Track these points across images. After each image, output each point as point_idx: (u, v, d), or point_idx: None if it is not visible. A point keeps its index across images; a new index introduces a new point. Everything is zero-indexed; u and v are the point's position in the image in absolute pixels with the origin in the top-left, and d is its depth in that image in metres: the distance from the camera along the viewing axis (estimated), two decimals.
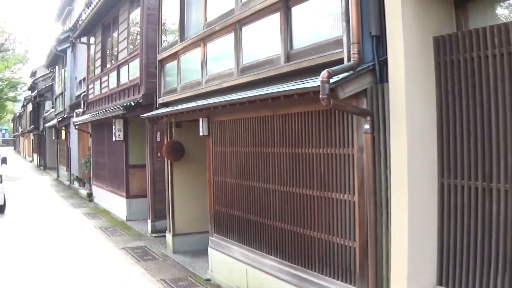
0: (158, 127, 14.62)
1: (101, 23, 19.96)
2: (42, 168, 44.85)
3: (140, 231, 15.30)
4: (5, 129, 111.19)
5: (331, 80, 5.75)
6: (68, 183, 29.80)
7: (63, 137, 31.35)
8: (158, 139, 14.79)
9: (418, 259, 5.75)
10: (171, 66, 12.11)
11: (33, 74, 52.34)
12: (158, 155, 14.73)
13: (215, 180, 10.14)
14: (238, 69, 8.76)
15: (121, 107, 14.43)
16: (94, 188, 22.29)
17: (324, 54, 6.68)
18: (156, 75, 13.57)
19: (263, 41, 8.22)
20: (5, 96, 51.32)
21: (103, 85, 19.71)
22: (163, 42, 12.73)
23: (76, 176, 27.29)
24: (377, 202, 6.06)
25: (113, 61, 18.71)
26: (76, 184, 27.29)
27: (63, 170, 33.38)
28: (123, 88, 16.80)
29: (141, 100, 14.28)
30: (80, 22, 21.85)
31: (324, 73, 5.65)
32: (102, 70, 20.02)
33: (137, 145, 16.99)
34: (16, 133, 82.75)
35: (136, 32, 16.03)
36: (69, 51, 28.63)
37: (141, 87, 14.84)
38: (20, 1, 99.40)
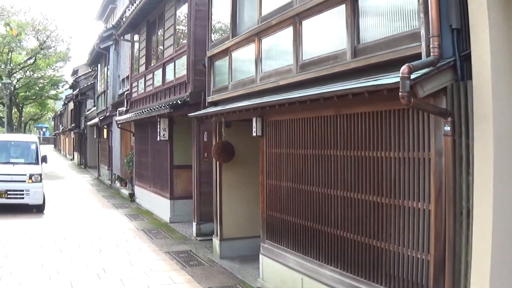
0: (205, 127, 14.15)
1: (145, 20, 19.62)
2: (82, 166, 44.92)
3: (184, 234, 14.86)
4: (46, 127, 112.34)
5: (411, 77, 5.18)
6: (109, 182, 29.58)
7: (105, 136, 31.19)
8: (205, 139, 14.32)
9: (501, 275, 5.17)
10: (221, 63, 11.63)
11: (75, 72, 52.48)
12: (205, 155, 14.27)
13: (269, 183, 9.60)
14: (297, 65, 8.21)
15: (167, 105, 14.00)
16: (136, 188, 21.96)
17: (397, 49, 6.10)
18: (204, 72, 13.19)
19: (326, 35, 7.66)
20: (46, 94, 51.54)
21: (147, 83, 19.35)
22: (213, 38, 12.25)
23: (118, 176, 27.04)
24: (457, 211, 5.47)
25: (158, 59, 18.32)
26: (117, 184, 27.04)
27: (104, 169, 33.21)
28: (168, 86, 16.39)
29: (188, 99, 13.84)
30: (123, 19, 21.55)
31: (404, 68, 5.10)
32: (146, 68, 19.67)
33: (182, 145, 16.57)
34: (57, 131, 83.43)
35: (183, 29, 15.62)
36: (112, 49, 28.42)
37: (188, 85, 14.41)
38: (62, 0, 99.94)
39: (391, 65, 6.10)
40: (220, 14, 12.02)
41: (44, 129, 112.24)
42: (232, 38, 10.78)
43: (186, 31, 14.99)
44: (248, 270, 10.99)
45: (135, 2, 19.46)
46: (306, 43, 8.08)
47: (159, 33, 18.41)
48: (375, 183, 6.70)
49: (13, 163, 18.58)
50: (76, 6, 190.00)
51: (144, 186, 20.29)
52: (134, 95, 21.80)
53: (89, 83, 42.72)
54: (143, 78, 19.93)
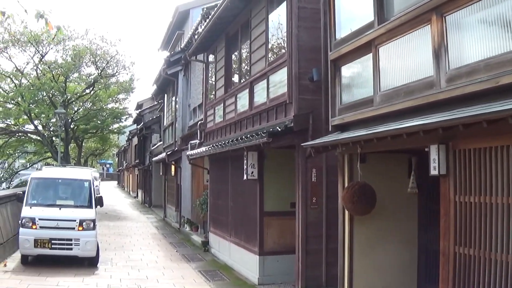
0: (314, 163, 10.59)
1: (224, 34, 16.26)
2: (147, 205, 42.05)
3: None
4: (110, 163, 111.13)
5: None
6: (177, 225, 26.21)
7: (173, 173, 28.01)
8: (314, 179, 10.71)
9: None
10: (357, 65, 8.00)
11: (139, 106, 49.96)
12: (314, 201, 10.70)
13: (463, 254, 5.81)
14: None
15: (263, 133, 10.43)
16: (211, 236, 18.37)
17: None
18: (311, 90, 10.25)
19: None
20: (108, 128, 48.46)
21: (227, 110, 15.88)
22: (338, 33, 8.62)
23: (187, 219, 23.57)
24: None
25: (242, 79, 14.87)
26: (187, 228, 23.61)
27: (171, 209, 30.01)
28: (259, 111, 12.85)
29: (292, 124, 10.30)
30: (195, 36, 18.35)
31: None
32: (226, 92, 16.20)
33: (275, 186, 13.04)
34: (121, 168, 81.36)
35: (280, 35, 12.16)
36: (180, 75, 25.29)
37: (289, 107, 10.90)
38: (125, 32, 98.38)
39: None
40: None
41: (107, 165, 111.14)
42: (379, 25, 7.13)
43: (284, 38, 11.53)
44: None
45: (209, 15, 16.30)
46: None
47: (242, 47, 15.01)
48: None
49: (60, 206, 15.12)
50: (138, 37, 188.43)
51: (222, 234, 16.70)
52: (209, 125, 18.37)
53: (154, 117, 40.03)
54: (222, 104, 16.49)
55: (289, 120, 10.57)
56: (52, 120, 38.72)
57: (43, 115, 40.26)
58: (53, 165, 27.73)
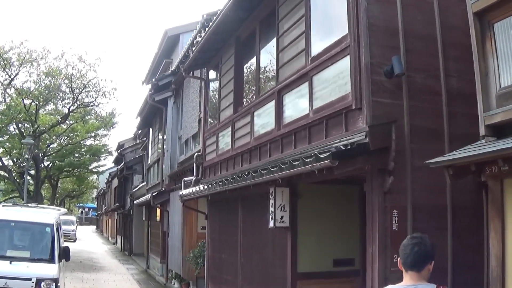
0: (394, 201, 6.83)
1: (233, 38, 12.63)
2: (126, 253, 38.27)
3: None
4: (91, 207, 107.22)
5: None
6: (162, 279, 22.35)
7: (158, 218, 24.19)
8: (395, 226, 6.87)
9: None
10: None
11: (120, 146, 46.47)
12: (395, 259, 6.84)
13: None
14: None
15: (320, 155, 6.63)
16: None
17: None
18: (388, 90, 6.69)
19: None
20: (85, 166, 44.14)
21: (238, 134, 12.05)
22: None
23: (176, 273, 19.64)
24: None
25: (260, 91, 11.12)
26: (175, 284, 19.79)
27: (155, 260, 26.21)
28: (293, 129, 9.01)
29: (366, 140, 6.56)
30: (193, 48, 14.79)
31: None
32: (236, 111, 12.37)
33: (313, 237, 9.42)
34: (100, 212, 77.11)
35: (330, 18, 8.53)
36: (170, 103, 21.78)
37: (352, 117, 7.20)
38: (105, 62, 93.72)
39: None
40: None
41: (87, 209, 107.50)
42: None
43: (339, 18, 7.87)
44: None
45: (209, 22, 13.01)
46: None
47: (261, 51, 11.34)
48: None
49: (11, 259, 11.11)
50: (120, 70, 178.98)
51: None
52: (209, 157, 14.50)
53: (136, 156, 36.54)
54: (229, 128, 12.70)
55: (358, 135, 6.81)
56: (26, 156, 34.65)
57: (15, 151, 36.28)
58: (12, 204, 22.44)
